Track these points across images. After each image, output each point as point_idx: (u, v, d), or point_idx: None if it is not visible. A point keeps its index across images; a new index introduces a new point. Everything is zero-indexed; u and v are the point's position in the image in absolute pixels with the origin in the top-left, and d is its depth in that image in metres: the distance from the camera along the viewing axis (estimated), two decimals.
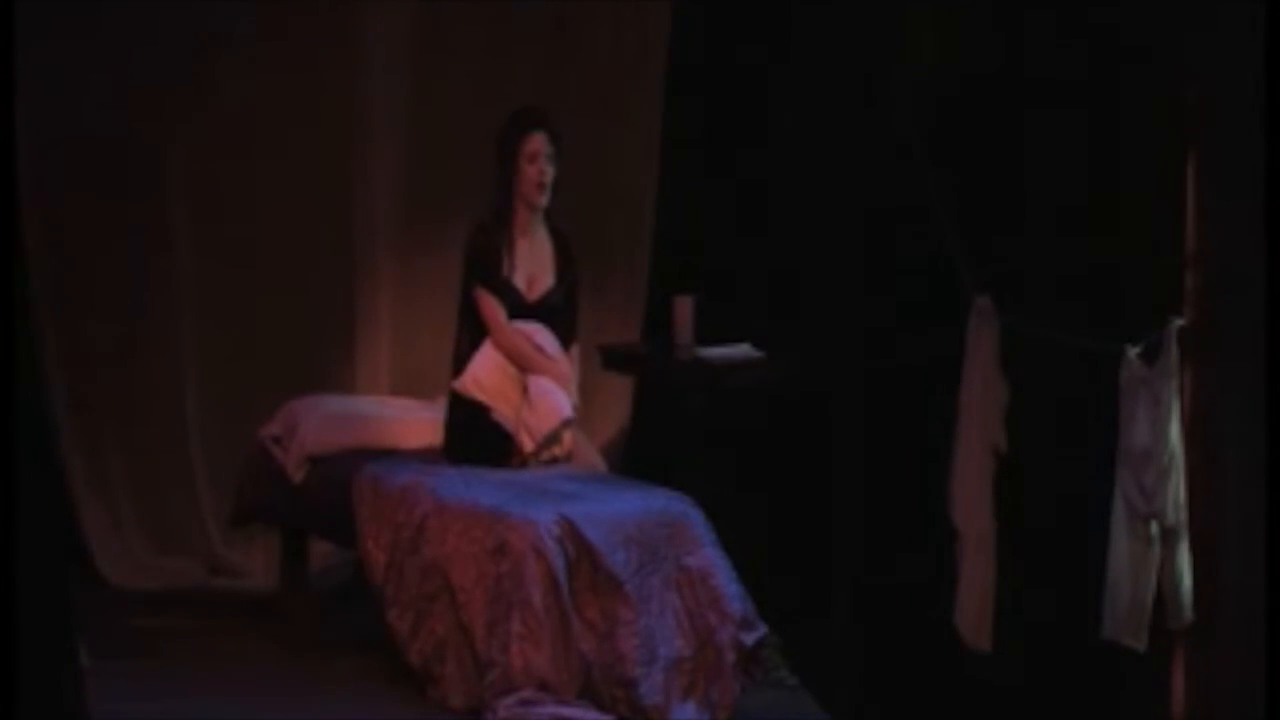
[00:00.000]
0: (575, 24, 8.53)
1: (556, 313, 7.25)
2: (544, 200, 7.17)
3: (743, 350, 7.59)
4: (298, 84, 8.28)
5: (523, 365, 7.12)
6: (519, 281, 7.18)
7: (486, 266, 7.14)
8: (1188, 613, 6.92)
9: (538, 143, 7.14)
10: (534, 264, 7.22)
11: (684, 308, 7.63)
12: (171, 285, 8.27)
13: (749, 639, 6.76)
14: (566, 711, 6.45)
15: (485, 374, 7.13)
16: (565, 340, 7.25)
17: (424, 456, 7.22)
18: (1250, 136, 6.64)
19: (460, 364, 7.17)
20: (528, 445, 7.08)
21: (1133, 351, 6.94)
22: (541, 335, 7.17)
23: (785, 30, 8.38)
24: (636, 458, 8.42)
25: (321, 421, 7.41)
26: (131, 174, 8.19)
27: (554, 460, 7.14)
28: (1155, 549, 6.91)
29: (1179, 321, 6.89)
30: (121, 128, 8.14)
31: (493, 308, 7.14)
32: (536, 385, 7.09)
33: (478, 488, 6.85)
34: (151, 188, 8.23)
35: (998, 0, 7.78)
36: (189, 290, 8.29)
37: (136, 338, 8.26)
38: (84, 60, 8.06)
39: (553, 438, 7.10)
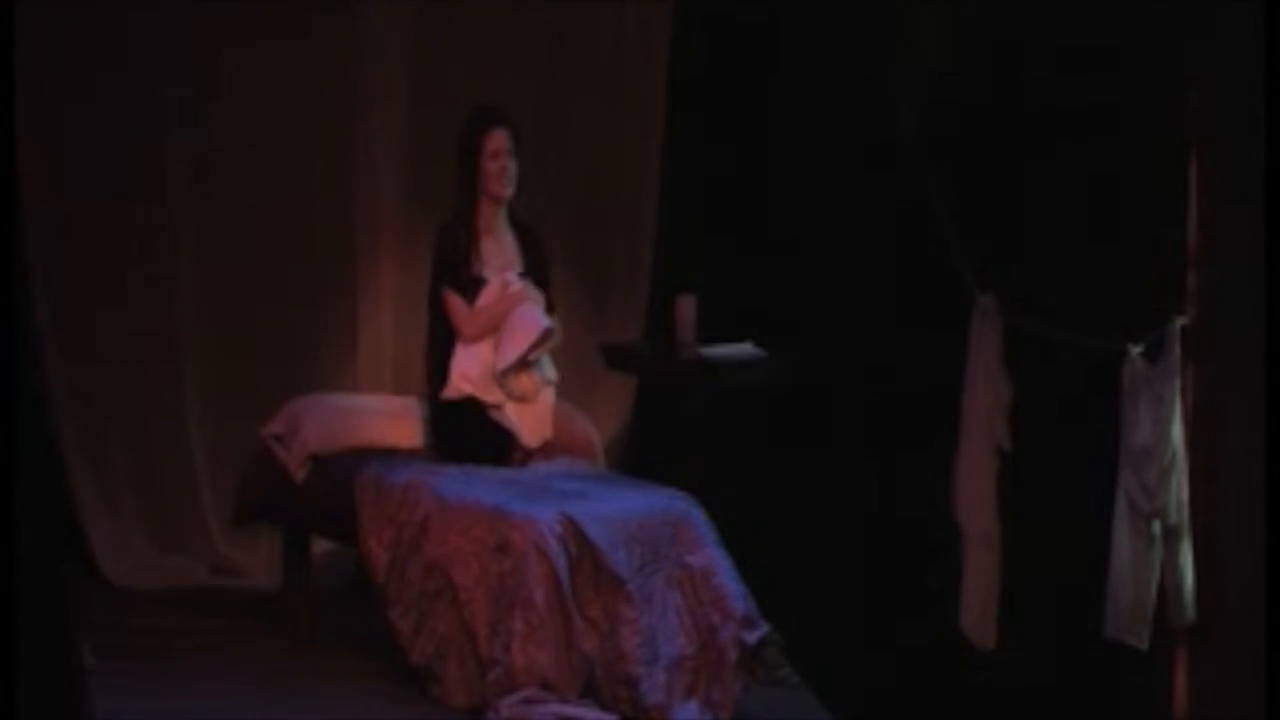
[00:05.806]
0: (575, 24, 8.54)
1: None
2: (509, 193, 7.22)
3: (744, 349, 7.58)
4: (299, 84, 8.28)
5: (498, 321, 7.11)
6: (489, 277, 7.20)
7: (453, 267, 7.18)
8: (1189, 612, 6.92)
9: (499, 140, 7.17)
10: (501, 259, 7.26)
11: (686, 307, 7.62)
12: (173, 285, 8.28)
13: (751, 638, 6.77)
14: (568, 710, 6.45)
15: (469, 367, 7.15)
16: None
17: (426, 455, 7.22)
18: (1250, 137, 6.64)
19: (435, 371, 7.19)
20: (501, 363, 7.07)
21: (1135, 351, 6.94)
22: (494, 285, 7.17)
23: (787, 29, 8.38)
24: (637, 457, 8.42)
25: (324, 420, 7.41)
26: (132, 174, 8.19)
27: (531, 393, 7.13)
28: (1157, 548, 6.91)
29: (1181, 321, 6.89)
30: (122, 128, 8.14)
31: (456, 304, 7.18)
32: (511, 315, 7.10)
33: (479, 486, 6.85)
34: (153, 187, 8.23)
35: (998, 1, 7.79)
36: (191, 289, 8.29)
37: (138, 337, 8.26)
38: (85, 60, 8.06)
39: (531, 353, 7.07)
